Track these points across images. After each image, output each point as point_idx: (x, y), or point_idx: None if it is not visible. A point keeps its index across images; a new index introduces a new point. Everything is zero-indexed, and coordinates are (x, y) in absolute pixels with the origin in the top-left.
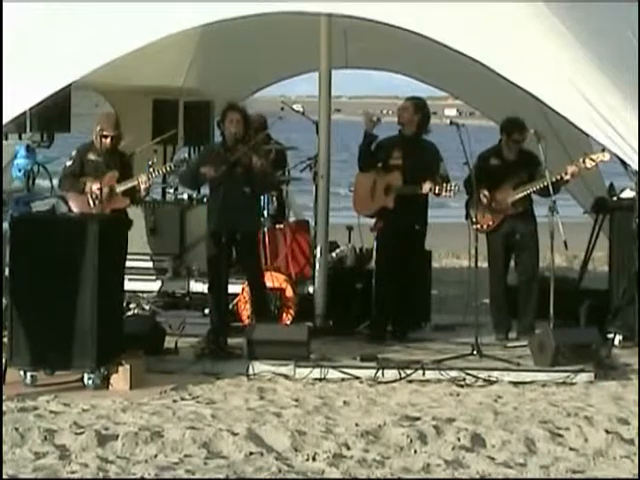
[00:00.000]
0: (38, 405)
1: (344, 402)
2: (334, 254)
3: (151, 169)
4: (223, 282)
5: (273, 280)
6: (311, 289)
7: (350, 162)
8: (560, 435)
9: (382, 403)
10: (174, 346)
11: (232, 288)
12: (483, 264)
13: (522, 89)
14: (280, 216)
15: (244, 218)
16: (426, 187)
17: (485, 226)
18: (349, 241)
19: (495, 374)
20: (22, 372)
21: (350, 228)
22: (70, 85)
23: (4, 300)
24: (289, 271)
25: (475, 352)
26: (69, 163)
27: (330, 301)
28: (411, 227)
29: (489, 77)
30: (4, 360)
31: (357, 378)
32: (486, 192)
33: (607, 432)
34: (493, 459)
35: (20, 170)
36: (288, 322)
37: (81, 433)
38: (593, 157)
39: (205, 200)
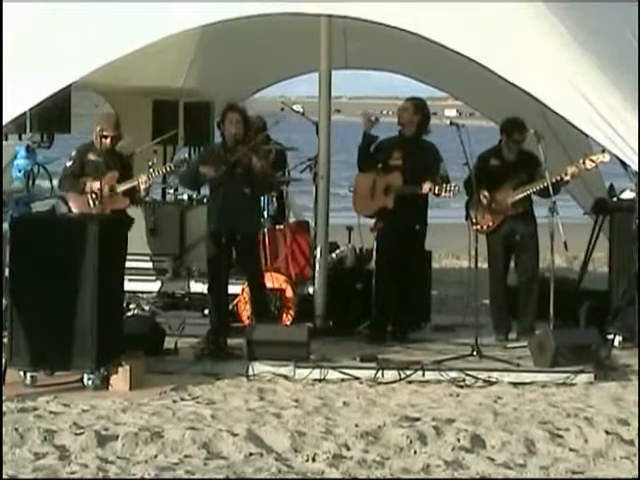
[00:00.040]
0: (38, 405)
1: (344, 403)
2: (334, 255)
3: (151, 169)
4: (223, 283)
5: (273, 281)
6: (311, 290)
7: (350, 163)
8: (560, 436)
9: (382, 404)
10: (174, 346)
11: (232, 289)
12: (483, 265)
13: (521, 90)
14: (280, 217)
15: (244, 219)
16: (426, 187)
17: (485, 227)
18: (349, 242)
19: (495, 375)
20: (22, 372)
21: (350, 229)
22: (70, 85)
23: (4, 300)
24: (289, 272)
25: (475, 353)
26: (69, 163)
27: (330, 302)
28: (411, 227)
29: (489, 77)
30: (4, 360)
31: (357, 379)
32: (486, 193)
33: (607, 433)
34: (493, 460)
35: (20, 170)
36: (288, 323)
37: (81, 433)
38: (593, 158)
39: (205, 200)
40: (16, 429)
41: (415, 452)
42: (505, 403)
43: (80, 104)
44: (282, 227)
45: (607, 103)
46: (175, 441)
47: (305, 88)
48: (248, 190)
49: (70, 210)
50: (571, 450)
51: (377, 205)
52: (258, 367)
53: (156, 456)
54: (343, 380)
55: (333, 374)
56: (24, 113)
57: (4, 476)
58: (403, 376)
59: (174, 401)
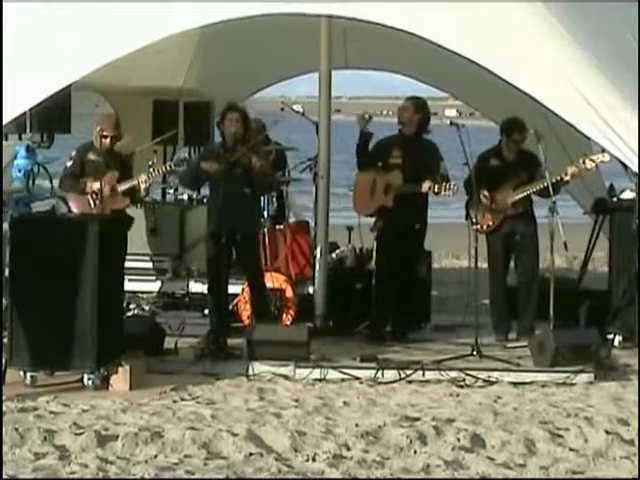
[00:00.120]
0: (38, 405)
1: (344, 403)
2: (334, 255)
3: (151, 169)
4: (223, 283)
5: (273, 281)
6: (311, 289)
7: (350, 162)
8: (560, 436)
9: (382, 404)
10: (174, 346)
11: (232, 288)
12: (483, 265)
13: (520, 90)
14: (280, 217)
15: (244, 219)
16: (425, 186)
17: (485, 227)
18: (349, 242)
19: (495, 375)
20: (22, 372)
21: (350, 229)
22: (70, 85)
23: (4, 300)
24: (289, 272)
25: (475, 353)
26: (69, 163)
27: (330, 301)
28: (411, 226)
29: (489, 77)
30: (4, 360)
31: (357, 379)
32: (486, 192)
33: (607, 433)
34: (493, 460)
35: (20, 170)
36: (288, 323)
37: (81, 433)
38: (593, 158)
39: (205, 200)
40: (16, 429)
41: (415, 452)
42: (505, 403)
43: (80, 104)
44: (282, 227)
45: (606, 103)
46: (175, 441)
47: (305, 88)
48: (248, 190)
49: (70, 210)
50: (571, 450)
51: (377, 204)
52: (258, 367)
53: (156, 456)
54: (343, 380)
55: (333, 374)
56: (24, 113)
57: (4, 476)
58: (403, 376)
59: (174, 401)
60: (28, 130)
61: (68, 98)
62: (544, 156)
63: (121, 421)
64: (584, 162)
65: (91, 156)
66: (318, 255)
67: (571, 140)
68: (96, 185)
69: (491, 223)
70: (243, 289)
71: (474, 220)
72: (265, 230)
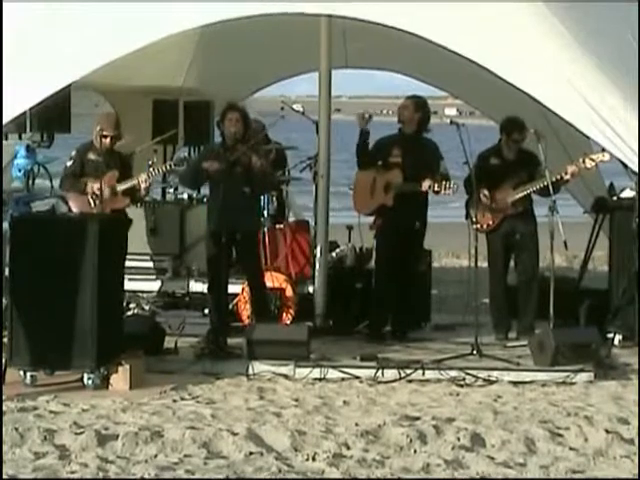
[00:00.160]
0: (38, 405)
1: (344, 402)
2: (334, 254)
3: (151, 168)
4: (223, 282)
5: (273, 280)
6: (311, 289)
7: (350, 162)
8: (560, 435)
9: (382, 403)
10: (174, 346)
11: (232, 288)
12: (483, 264)
13: (521, 90)
14: (280, 216)
15: (244, 218)
16: (425, 185)
17: (485, 226)
18: (349, 241)
19: (495, 374)
20: (22, 372)
21: (350, 228)
22: (70, 85)
23: (4, 300)
24: (289, 271)
25: (475, 352)
26: (69, 163)
27: (330, 301)
28: (411, 225)
29: (489, 77)
30: (4, 360)
31: (357, 378)
32: (486, 192)
33: (607, 432)
34: (493, 459)
35: (20, 170)
36: (288, 322)
37: (81, 433)
38: (593, 157)
39: (205, 200)
40: (16, 429)
41: (415, 451)
42: (505, 402)
43: (80, 104)
44: (282, 226)
45: (607, 103)
46: (175, 440)
47: (305, 87)
48: (248, 189)
49: (70, 210)
50: (571, 449)
51: (377, 203)
52: (258, 366)
53: (156, 455)
54: (343, 379)
55: (333, 373)
56: (24, 113)
57: (4, 476)
58: (403, 375)
59: (174, 400)
60: (28, 130)
61: (68, 98)
62: (544, 155)
63: (121, 420)
64: (584, 161)
65: (91, 156)
66: (318, 254)
67: (571, 139)
68: (96, 185)
69: (491, 222)
70: (243, 288)
71: (474, 219)
72: (265, 229)
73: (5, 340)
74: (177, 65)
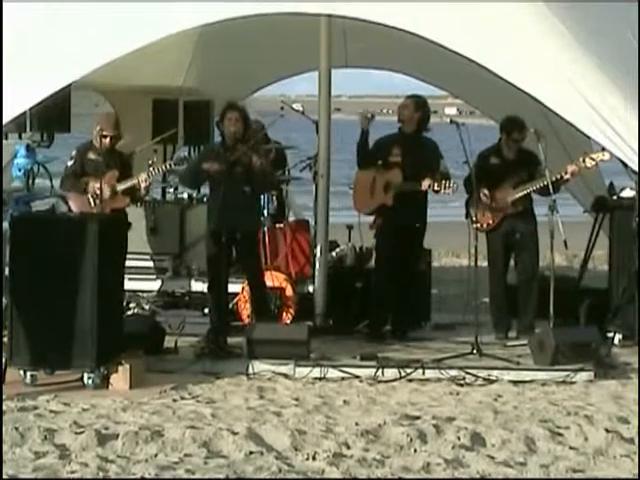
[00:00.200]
0: (38, 405)
1: (344, 401)
2: (334, 253)
3: (151, 168)
4: (223, 281)
5: (273, 279)
6: (311, 288)
7: (350, 161)
8: (560, 434)
9: (382, 402)
10: (174, 345)
11: (232, 287)
12: (483, 263)
13: (521, 90)
14: (280, 215)
15: (244, 217)
16: (425, 184)
17: (485, 225)
18: (349, 240)
19: (495, 373)
20: (22, 372)
21: (350, 227)
22: (70, 85)
23: (4, 300)
24: (289, 270)
25: (475, 351)
26: (70, 163)
27: (330, 300)
28: (410, 225)
29: (489, 76)
30: (4, 360)
31: (357, 377)
32: (486, 191)
33: (607, 431)
34: (493, 458)
35: (20, 170)
36: (288, 321)
37: (81, 433)
38: (593, 156)
39: (205, 199)
40: (16, 428)
41: (415, 450)
42: (505, 401)
43: (80, 104)
44: (282, 226)
45: (607, 103)
46: (175, 440)
47: (305, 87)
48: (248, 189)
49: (70, 209)
50: (571, 448)
51: (377, 202)
52: (258, 366)
53: (156, 455)
54: (343, 379)
55: (333, 372)
56: (24, 112)
57: (4, 475)
58: (403, 374)
59: (174, 400)
60: (28, 129)
61: (68, 97)
62: (544, 155)
63: (121, 420)
64: (584, 161)
65: (91, 155)
66: (318, 254)
67: (571, 139)
68: (96, 185)
69: (491, 221)
70: (243, 288)
71: (474, 218)
72: (265, 229)
73: (5, 340)
74: (177, 65)
